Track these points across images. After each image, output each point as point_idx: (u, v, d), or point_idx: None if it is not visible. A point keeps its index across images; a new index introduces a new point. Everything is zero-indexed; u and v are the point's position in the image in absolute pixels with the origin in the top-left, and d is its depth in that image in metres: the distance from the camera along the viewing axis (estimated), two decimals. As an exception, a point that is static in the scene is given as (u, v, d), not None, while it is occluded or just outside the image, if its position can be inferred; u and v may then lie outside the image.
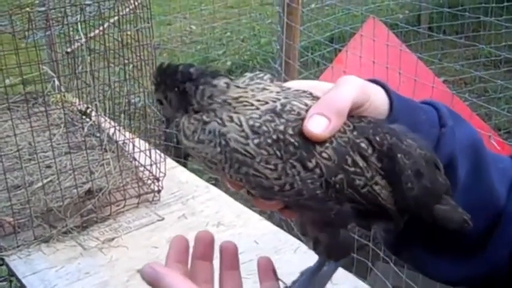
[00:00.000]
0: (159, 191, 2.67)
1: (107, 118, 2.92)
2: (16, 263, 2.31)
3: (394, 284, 3.46)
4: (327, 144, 0.94)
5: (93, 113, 3.02)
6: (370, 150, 0.97)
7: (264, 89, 0.97)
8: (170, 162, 2.93)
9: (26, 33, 2.63)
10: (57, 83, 3.11)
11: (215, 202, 2.68)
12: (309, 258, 2.33)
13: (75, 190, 2.50)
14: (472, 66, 6.33)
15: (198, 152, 0.95)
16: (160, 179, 2.67)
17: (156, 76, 0.99)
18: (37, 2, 3.39)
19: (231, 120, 0.93)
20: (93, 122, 3.00)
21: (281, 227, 2.63)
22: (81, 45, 2.94)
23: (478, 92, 6.26)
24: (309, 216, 1.02)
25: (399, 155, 0.99)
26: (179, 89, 0.97)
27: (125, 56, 2.71)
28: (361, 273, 3.39)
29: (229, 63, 7.25)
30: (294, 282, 1.12)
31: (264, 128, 0.92)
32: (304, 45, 6.03)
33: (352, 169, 0.96)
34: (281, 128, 0.93)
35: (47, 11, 2.78)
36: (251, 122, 0.93)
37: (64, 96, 3.15)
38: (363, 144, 0.97)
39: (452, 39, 5.74)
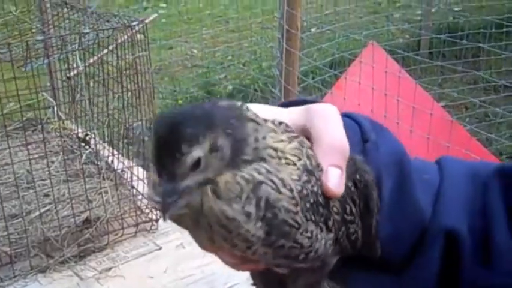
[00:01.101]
0: (157, 220, 2.66)
1: (105, 145, 2.92)
2: (12, 293, 2.30)
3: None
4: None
5: (92, 141, 3.02)
6: (356, 194, 0.90)
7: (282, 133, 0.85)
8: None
9: (25, 61, 2.64)
10: (56, 110, 3.12)
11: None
12: None
13: (72, 219, 2.49)
14: (473, 91, 6.34)
15: (229, 222, 0.78)
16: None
17: (205, 116, 0.78)
18: (35, 29, 3.41)
19: (283, 184, 0.79)
20: (92, 149, 2.99)
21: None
22: (81, 71, 2.95)
23: (479, 117, 6.26)
24: (303, 278, 0.90)
25: (373, 193, 0.92)
26: (235, 133, 0.79)
27: (123, 83, 2.72)
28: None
29: (230, 87, 7.27)
30: None
31: (304, 191, 0.81)
32: (305, 70, 6.05)
33: (349, 217, 0.89)
34: (315, 189, 0.82)
35: (46, 40, 2.80)
36: (298, 187, 0.80)
37: (63, 123, 3.15)
38: (353, 189, 0.89)
39: (451, 66, 5.76)
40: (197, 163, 0.76)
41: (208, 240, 0.81)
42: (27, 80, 2.83)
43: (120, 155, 2.80)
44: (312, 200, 0.81)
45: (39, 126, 3.13)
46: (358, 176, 0.90)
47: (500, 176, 1.04)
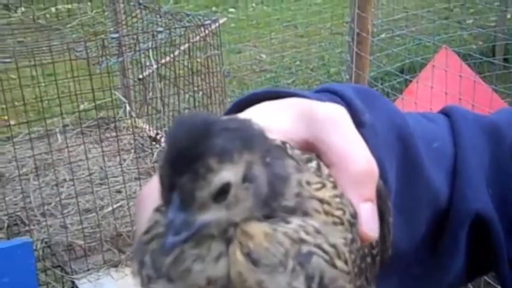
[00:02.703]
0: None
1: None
2: (86, 286, 2.34)
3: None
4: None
5: (163, 139, 3.05)
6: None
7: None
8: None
9: (100, 59, 2.70)
10: (128, 108, 3.17)
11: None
12: None
13: (144, 215, 2.51)
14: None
15: None
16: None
17: (242, 131, 0.58)
18: (111, 29, 3.48)
19: (337, 254, 0.60)
20: (163, 148, 3.02)
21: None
22: (152, 71, 2.99)
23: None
24: None
25: (388, 203, 0.74)
26: (274, 166, 0.59)
27: (195, 83, 2.74)
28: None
29: (298, 92, 7.25)
30: None
31: (353, 256, 0.63)
32: (374, 75, 5.98)
33: (375, 251, 0.71)
34: (358, 245, 0.65)
35: (120, 38, 2.85)
36: (352, 256, 0.62)
37: (135, 122, 3.20)
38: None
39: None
40: (224, 191, 0.56)
41: None
42: (101, 79, 2.88)
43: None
44: (358, 263, 0.63)
45: (112, 125, 3.19)
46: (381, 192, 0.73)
47: None
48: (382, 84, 5.84)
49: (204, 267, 0.56)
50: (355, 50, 4.37)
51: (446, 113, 0.95)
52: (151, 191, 0.65)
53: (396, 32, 6.83)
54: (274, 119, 0.70)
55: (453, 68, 3.81)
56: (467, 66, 4.20)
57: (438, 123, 0.94)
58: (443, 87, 3.64)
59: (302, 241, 0.57)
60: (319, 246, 0.58)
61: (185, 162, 0.55)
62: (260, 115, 0.69)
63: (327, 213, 0.61)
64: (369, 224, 0.66)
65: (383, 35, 7.28)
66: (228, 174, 0.56)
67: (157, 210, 0.61)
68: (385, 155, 0.82)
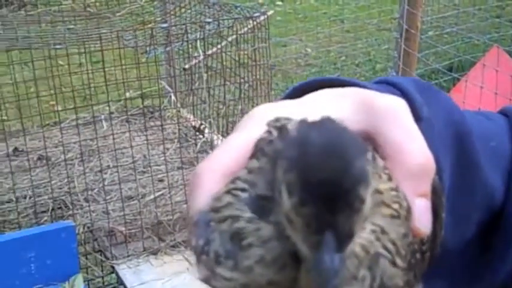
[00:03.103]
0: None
1: (219, 136, 2.95)
2: (125, 272, 2.36)
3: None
4: None
5: (207, 130, 3.06)
6: None
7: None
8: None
9: (148, 48, 2.71)
10: (173, 98, 3.18)
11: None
12: None
13: (185, 205, 2.53)
14: None
15: None
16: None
17: (357, 142, 0.54)
18: (159, 18, 3.50)
19: (397, 251, 0.59)
20: (206, 138, 3.03)
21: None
22: (199, 62, 2.99)
23: None
24: None
25: (443, 199, 0.71)
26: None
27: (241, 74, 2.73)
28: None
29: (343, 87, 7.20)
30: None
31: (403, 252, 0.61)
32: (421, 73, 5.90)
33: (425, 247, 0.69)
34: (415, 246, 0.64)
35: (169, 28, 2.86)
36: (408, 255, 0.62)
37: (179, 111, 3.21)
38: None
39: None
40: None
41: None
42: (148, 68, 2.89)
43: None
44: (408, 258, 0.61)
45: (157, 113, 3.21)
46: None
47: None
48: (429, 82, 5.75)
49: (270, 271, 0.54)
50: (402, 46, 4.32)
51: (505, 113, 0.92)
52: (209, 169, 0.64)
53: (446, 30, 6.73)
54: (333, 107, 0.68)
55: (504, 67, 3.73)
56: (518, 66, 4.11)
57: (497, 122, 0.92)
58: (493, 87, 3.57)
59: (373, 247, 0.56)
60: (384, 247, 0.57)
61: (337, 197, 0.50)
62: (319, 102, 0.69)
63: (386, 206, 0.59)
64: (423, 220, 0.64)
65: (431, 32, 7.18)
66: (367, 197, 0.52)
67: (228, 192, 0.59)
68: (441, 150, 0.80)
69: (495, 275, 0.91)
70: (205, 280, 0.60)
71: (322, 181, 0.49)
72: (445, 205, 0.74)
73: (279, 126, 0.59)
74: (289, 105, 0.69)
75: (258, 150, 0.60)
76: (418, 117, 0.74)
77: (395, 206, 0.60)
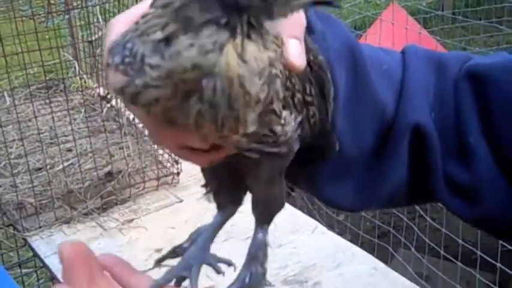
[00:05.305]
0: (178, 174, 2.69)
1: (126, 102, 2.94)
2: (38, 243, 2.35)
3: (415, 270, 3.45)
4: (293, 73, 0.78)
5: (113, 98, 3.05)
6: (311, 75, 0.83)
7: None
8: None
9: (47, 16, 2.67)
10: (77, 68, 3.15)
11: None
12: (326, 239, 2.33)
13: (95, 173, 2.53)
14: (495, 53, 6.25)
15: (240, 94, 0.67)
16: (180, 161, 2.69)
17: None
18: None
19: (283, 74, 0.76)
20: (113, 106, 3.02)
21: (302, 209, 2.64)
22: (101, 30, 2.97)
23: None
24: (268, 166, 0.84)
25: (328, 76, 0.86)
26: None
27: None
28: (383, 259, 3.39)
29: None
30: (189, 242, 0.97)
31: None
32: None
33: (309, 98, 0.83)
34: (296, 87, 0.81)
35: (66, -4, 2.82)
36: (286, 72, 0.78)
37: (84, 82, 3.18)
38: (307, 69, 0.82)
39: (475, 23, 5.69)
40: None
41: (189, 112, 0.69)
42: (49, 41, 2.84)
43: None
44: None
45: (62, 85, 3.17)
46: (311, 57, 0.83)
47: (471, 78, 0.98)
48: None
49: (194, 54, 0.65)
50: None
51: (402, 51, 1.04)
52: (119, 19, 0.79)
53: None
54: None
55: (400, 21, 3.87)
56: (413, 20, 4.27)
57: (391, 54, 1.03)
58: (390, 40, 3.70)
59: (273, 66, 0.69)
60: (281, 72, 0.71)
61: None
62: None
63: (276, 45, 0.72)
64: (296, 55, 0.76)
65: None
66: None
67: (144, 17, 0.71)
68: (336, 62, 0.90)
69: (383, 181, 1.02)
70: (120, 90, 0.70)
71: None
72: (333, 93, 0.88)
73: None
74: None
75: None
76: (311, 30, 0.88)
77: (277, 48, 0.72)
